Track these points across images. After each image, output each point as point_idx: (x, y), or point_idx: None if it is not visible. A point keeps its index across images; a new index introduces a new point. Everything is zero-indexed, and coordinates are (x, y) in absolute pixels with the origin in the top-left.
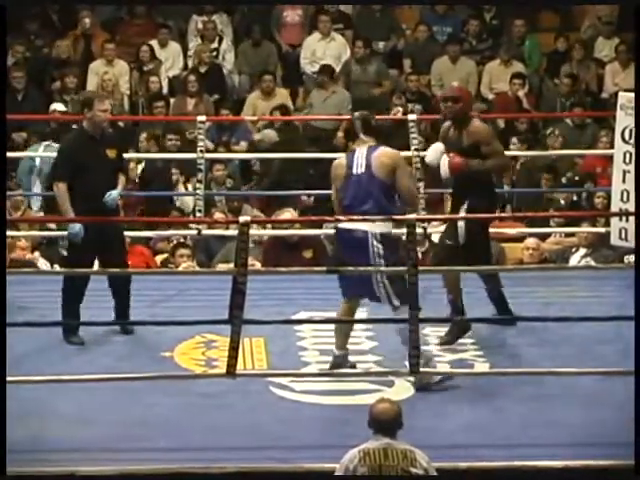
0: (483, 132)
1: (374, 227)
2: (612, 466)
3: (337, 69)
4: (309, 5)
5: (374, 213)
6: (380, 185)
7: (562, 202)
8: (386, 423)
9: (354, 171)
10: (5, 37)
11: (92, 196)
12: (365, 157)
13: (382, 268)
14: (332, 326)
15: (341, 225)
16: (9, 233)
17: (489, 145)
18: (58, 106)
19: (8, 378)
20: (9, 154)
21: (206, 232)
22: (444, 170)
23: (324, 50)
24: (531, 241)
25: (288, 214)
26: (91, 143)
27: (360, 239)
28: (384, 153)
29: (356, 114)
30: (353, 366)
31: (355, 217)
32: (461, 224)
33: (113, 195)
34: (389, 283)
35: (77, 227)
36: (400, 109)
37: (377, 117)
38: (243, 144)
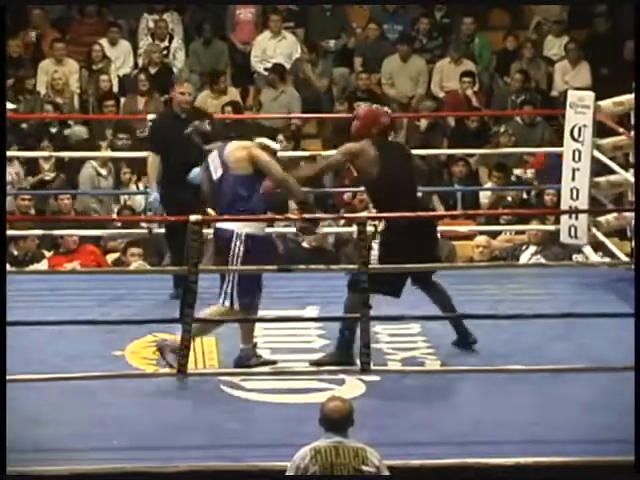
0: (342, 146)
1: (241, 227)
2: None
3: (288, 67)
4: (264, 5)
5: (246, 213)
6: (242, 182)
7: (509, 199)
8: (337, 421)
9: (214, 177)
10: (5, 37)
11: (176, 171)
12: (218, 157)
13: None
14: (283, 325)
15: (217, 224)
16: None
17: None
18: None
19: None
20: None
21: (157, 231)
22: None
23: (275, 49)
24: (481, 239)
25: None
26: (175, 122)
27: (227, 239)
28: (236, 147)
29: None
30: (268, 362)
31: (309, 216)
32: (375, 251)
33: (196, 172)
34: (237, 284)
35: (153, 195)
36: None
37: (326, 116)
38: None
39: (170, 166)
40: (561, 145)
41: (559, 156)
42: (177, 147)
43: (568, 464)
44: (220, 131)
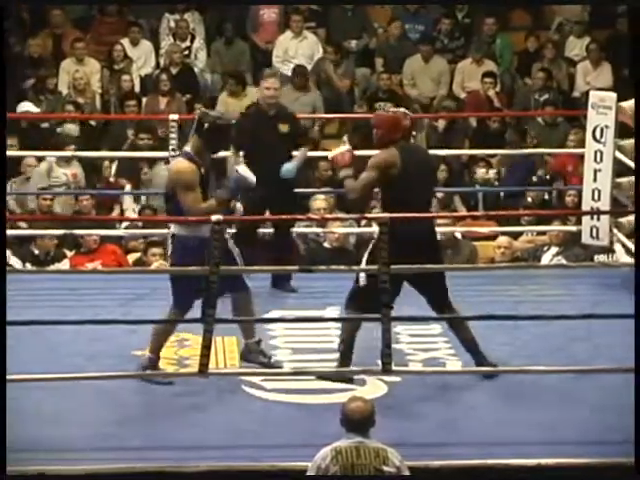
0: (372, 159)
1: (174, 229)
2: (597, 464)
3: (309, 67)
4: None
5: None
6: (172, 200)
7: (529, 200)
8: (359, 422)
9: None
10: (4, 37)
11: (266, 167)
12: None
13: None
14: (304, 325)
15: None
16: None
17: (364, 171)
18: (27, 105)
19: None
20: None
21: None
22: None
23: (296, 49)
24: (503, 239)
25: None
26: (264, 118)
27: None
28: (170, 168)
29: (199, 111)
30: (271, 364)
31: (332, 216)
32: (364, 264)
33: (288, 167)
34: (171, 285)
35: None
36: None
37: (347, 116)
38: None
39: (258, 164)
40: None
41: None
42: (265, 144)
43: (590, 465)
44: (301, 132)
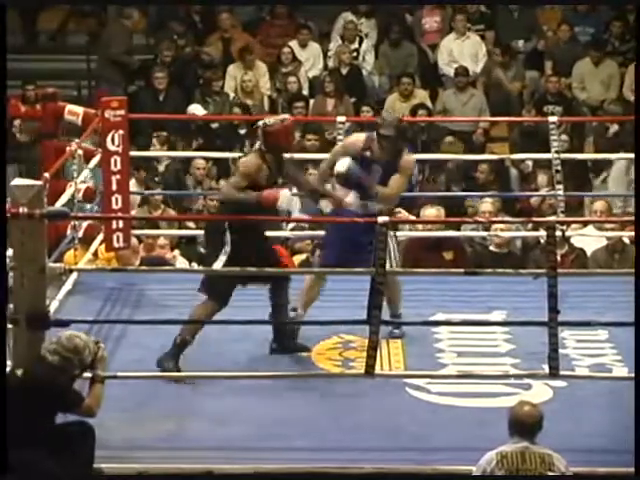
0: None
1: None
2: None
3: (474, 68)
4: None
5: None
6: None
7: None
8: (529, 426)
9: None
10: (5, 37)
11: None
12: None
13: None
14: (469, 328)
15: None
16: (149, 232)
17: None
18: (196, 108)
19: (142, 373)
20: (146, 153)
21: None
22: None
23: (460, 49)
24: None
25: (433, 210)
26: None
27: None
28: None
29: None
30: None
31: (505, 219)
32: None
33: None
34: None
35: None
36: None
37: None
38: None
39: None
40: None
41: None
42: None
43: None
44: None
